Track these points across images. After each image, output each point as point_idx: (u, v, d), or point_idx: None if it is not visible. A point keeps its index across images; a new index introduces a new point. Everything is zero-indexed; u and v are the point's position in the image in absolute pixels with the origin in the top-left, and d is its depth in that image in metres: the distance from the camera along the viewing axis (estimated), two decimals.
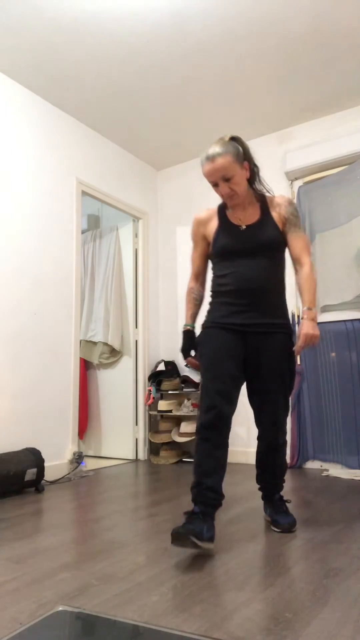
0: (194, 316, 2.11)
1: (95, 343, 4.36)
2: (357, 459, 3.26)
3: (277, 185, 3.91)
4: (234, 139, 1.87)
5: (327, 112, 3.70)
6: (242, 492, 2.68)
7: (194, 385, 3.95)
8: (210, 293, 2.04)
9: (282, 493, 2.47)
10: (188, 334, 2.07)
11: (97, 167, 3.92)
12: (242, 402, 3.76)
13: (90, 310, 4.46)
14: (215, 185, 1.89)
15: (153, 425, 4.24)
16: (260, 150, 4.03)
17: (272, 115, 3.74)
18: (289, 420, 3.60)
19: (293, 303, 3.73)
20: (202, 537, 1.60)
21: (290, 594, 1.34)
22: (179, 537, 1.57)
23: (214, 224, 2.02)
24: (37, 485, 2.81)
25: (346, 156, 3.50)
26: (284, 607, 1.26)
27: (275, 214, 1.98)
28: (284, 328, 1.95)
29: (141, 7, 2.65)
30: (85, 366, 4.46)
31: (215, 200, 4.57)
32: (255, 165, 1.97)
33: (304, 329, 1.88)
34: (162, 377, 4.09)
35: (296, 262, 1.99)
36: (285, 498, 2.02)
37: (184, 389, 4.02)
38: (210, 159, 1.83)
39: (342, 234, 3.60)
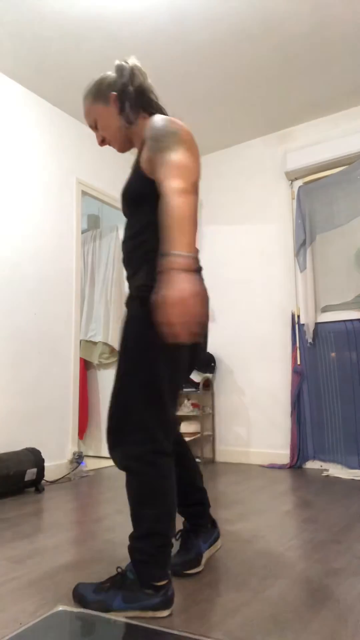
0: None
1: (95, 343, 4.36)
2: (357, 459, 3.26)
3: (277, 185, 3.92)
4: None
5: (327, 112, 3.70)
6: (242, 491, 2.68)
7: (194, 385, 3.95)
8: None
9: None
10: None
11: (97, 167, 3.92)
12: (242, 400, 3.77)
13: (90, 310, 4.46)
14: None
15: None
16: (260, 150, 4.04)
17: (272, 115, 3.73)
18: (289, 420, 3.60)
19: (292, 303, 3.73)
20: (200, 562, 1.52)
21: (290, 594, 1.34)
22: (177, 574, 1.49)
23: None
24: (37, 485, 2.81)
25: (346, 156, 3.50)
26: (284, 607, 1.26)
27: (143, 152, 1.34)
28: (138, 291, 1.32)
29: (141, 7, 2.66)
30: (85, 366, 4.46)
31: (211, 199, 4.52)
32: (124, 91, 1.41)
33: (158, 291, 1.11)
34: None
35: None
36: (120, 569, 1.32)
37: (184, 389, 4.02)
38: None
39: (342, 234, 3.60)
